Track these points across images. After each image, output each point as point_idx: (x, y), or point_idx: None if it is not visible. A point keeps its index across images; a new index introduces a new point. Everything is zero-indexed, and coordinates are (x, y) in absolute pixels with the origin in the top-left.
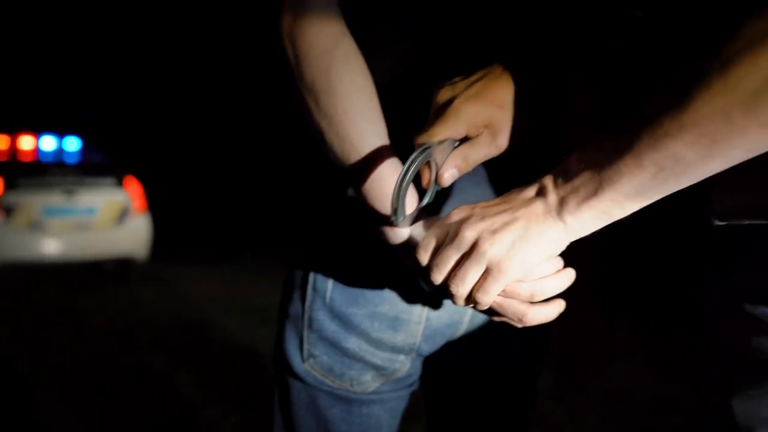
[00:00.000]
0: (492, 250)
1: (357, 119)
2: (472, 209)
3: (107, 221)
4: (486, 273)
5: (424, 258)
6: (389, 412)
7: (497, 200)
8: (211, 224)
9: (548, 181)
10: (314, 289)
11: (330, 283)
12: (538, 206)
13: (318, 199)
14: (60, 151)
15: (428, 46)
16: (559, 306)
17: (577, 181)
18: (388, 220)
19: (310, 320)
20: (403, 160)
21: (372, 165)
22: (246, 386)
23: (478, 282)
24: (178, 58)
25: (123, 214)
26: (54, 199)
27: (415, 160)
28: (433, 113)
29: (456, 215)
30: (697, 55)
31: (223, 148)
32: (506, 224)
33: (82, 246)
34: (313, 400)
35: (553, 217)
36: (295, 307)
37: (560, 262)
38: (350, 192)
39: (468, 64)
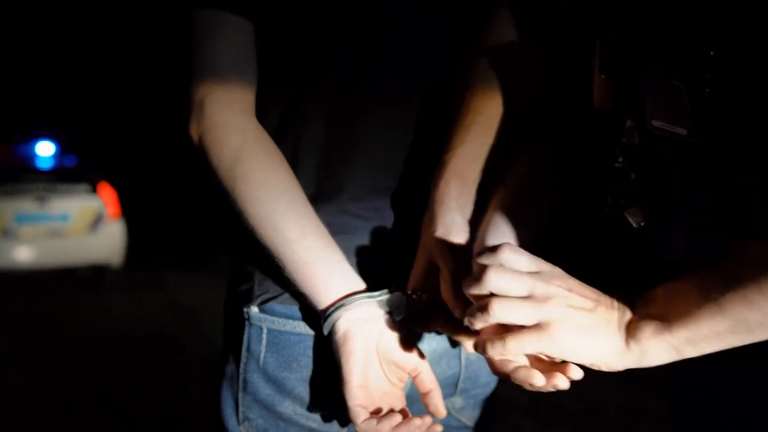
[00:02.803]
0: (555, 312)
1: (276, 232)
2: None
3: (81, 228)
4: (534, 328)
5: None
6: None
7: (590, 289)
8: (186, 227)
9: (630, 303)
10: (248, 350)
11: (263, 346)
12: (614, 315)
13: (252, 259)
14: (33, 156)
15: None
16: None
17: (655, 313)
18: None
19: (245, 382)
20: (406, 159)
21: (307, 264)
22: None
23: (517, 331)
24: (150, 64)
25: (97, 221)
26: (26, 205)
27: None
28: None
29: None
30: None
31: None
32: (583, 308)
33: (55, 253)
34: None
35: (621, 334)
36: (230, 367)
37: None
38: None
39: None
